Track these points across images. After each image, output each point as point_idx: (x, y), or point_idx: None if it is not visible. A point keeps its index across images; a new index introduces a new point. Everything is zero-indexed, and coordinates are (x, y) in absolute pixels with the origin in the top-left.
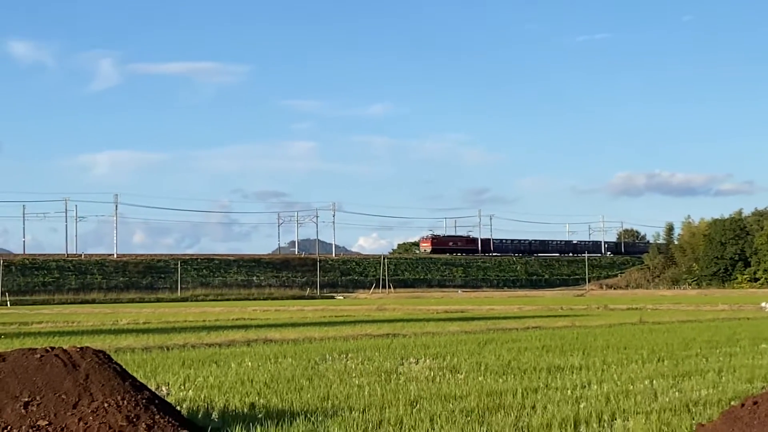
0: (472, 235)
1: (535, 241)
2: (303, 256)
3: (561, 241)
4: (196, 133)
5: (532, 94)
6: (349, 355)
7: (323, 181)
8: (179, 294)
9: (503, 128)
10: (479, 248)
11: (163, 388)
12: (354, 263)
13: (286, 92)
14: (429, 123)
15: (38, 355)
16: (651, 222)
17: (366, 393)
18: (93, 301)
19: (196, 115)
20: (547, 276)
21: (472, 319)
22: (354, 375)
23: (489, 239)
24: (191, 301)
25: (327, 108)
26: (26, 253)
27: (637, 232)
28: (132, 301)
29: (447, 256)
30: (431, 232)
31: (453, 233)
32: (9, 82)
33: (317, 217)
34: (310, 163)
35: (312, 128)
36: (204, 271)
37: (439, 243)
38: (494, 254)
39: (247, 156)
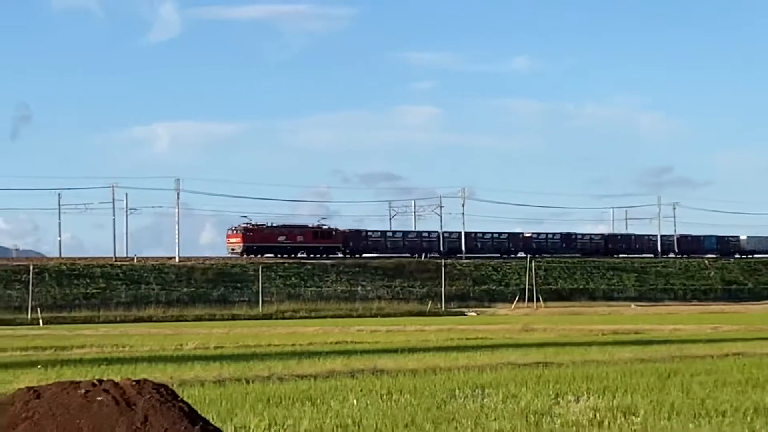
0: (327, 225)
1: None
2: (424, 260)
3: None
4: (281, 97)
5: (730, 43)
6: (486, 390)
7: (449, 160)
8: (260, 310)
9: (691, 88)
10: (343, 245)
11: None
12: (491, 268)
13: (400, 41)
14: (590, 81)
15: (82, 391)
16: None
17: None
18: (149, 319)
19: (282, 74)
20: (750, 285)
21: (651, 342)
22: (493, 417)
23: (362, 231)
24: (276, 318)
25: (454, 62)
26: (63, 256)
27: None
28: (199, 318)
29: (272, 258)
30: (247, 221)
31: (298, 223)
32: (41, 34)
33: (441, 206)
34: (432, 135)
35: (435, 89)
36: (293, 279)
37: (258, 238)
38: (385, 254)
39: (350, 127)
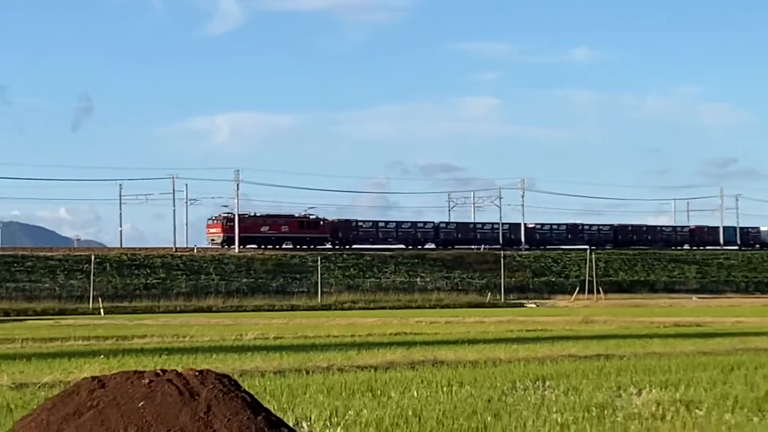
0: (314, 215)
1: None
2: (482, 250)
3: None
4: (341, 89)
5: None
6: (547, 382)
7: (509, 151)
8: (320, 300)
9: (755, 78)
10: (331, 235)
11: (304, 425)
12: (550, 260)
13: (461, 32)
14: (651, 72)
15: (146, 381)
16: None
17: None
18: (209, 309)
19: (342, 65)
20: None
21: (713, 335)
22: (554, 410)
23: (351, 221)
24: (335, 309)
25: (515, 53)
26: (124, 246)
27: None
28: (259, 309)
29: (255, 251)
30: (227, 210)
31: (281, 212)
32: (102, 26)
33: (501, 198)
34: (491, 126)
35: (495, 80)
36: (352, 270)
37: (240, 228)
38: (370, 246)
39: (409, 118)
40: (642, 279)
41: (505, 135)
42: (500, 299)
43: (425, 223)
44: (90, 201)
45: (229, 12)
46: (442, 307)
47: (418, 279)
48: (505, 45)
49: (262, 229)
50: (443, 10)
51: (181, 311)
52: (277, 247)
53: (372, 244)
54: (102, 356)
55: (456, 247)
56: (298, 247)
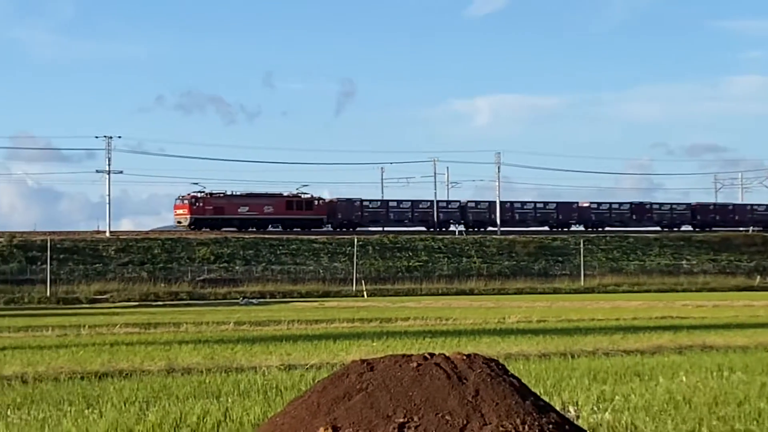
0: (309, 194)
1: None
2: (750, 233)
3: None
4: (603, 69)
5: None
6: None
7: None
8: (582, 283)
9: None
10: (328, 217)
11: (571, 409)
12: None
13: (726, 10)
14: None
15: (414, 364)
16: None
17: None
18: (470, 292)
19: (606, 45)
20: None
21: None
22: None
23: (355, 201)
24: (598, 292)
25: None
26: (386, 229)
27: None
28: (520, 291)
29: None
30: (199, 188)
31: (273, 191)
32: (364, 7)
33: None
34: (760, 105)
35: (763, 58)
36: (615, 252)
37: (211, 209)
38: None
39: (674, 98)
40: None
41: None
42: None
43: (449, 202)
44: (352, 184)
45: None
46: (709, 290)
47: (684, 262)
48: None
49: (239, 210)
50: None
51: (443, 294)
52: (261, 230)
53: (382, 227)
54: (372, 340)
55: (483, 230)
56: (288, 230)
